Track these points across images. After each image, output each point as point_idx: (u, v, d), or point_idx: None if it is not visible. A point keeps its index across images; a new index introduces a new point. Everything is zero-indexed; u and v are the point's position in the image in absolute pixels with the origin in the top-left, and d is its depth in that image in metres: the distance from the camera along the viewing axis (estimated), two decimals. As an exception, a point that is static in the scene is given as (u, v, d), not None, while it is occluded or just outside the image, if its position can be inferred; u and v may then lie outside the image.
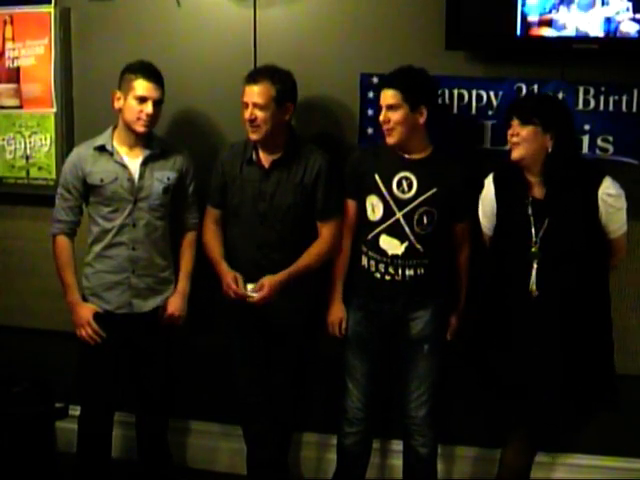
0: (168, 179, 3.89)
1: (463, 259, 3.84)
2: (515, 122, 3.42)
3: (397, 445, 4.18)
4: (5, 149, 4.45)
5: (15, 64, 4.38)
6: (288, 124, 3.78)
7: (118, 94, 3.80)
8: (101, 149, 3.86)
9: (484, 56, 3.90)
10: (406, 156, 3.67)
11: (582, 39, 3.65)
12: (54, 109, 4.35)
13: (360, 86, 3.96)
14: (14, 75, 4.39)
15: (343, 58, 4.03)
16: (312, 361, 4.12)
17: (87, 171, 3.85)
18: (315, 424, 4.39)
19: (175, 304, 3.96)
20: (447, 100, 3.89)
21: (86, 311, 3.87)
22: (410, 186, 3.65)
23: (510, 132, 3.45)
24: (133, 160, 3.86)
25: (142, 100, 3.74)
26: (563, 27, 3.65)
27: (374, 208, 3.71)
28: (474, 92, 3.87)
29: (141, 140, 3.86)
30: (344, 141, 4.06)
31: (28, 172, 4.44)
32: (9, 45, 4.38)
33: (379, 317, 3.78)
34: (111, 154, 3.84)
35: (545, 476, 4.21)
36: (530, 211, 3.46)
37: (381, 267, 3.71)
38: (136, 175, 3.84)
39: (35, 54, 4.35)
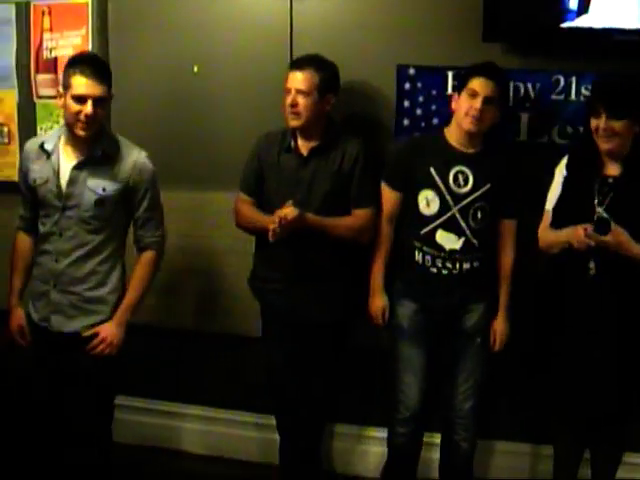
0: (104, 190, 3.44)
1: (507, 262, 3.78)
2: (606, 115, 3.35)
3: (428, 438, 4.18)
4: (43, 138, 4.47)
5: (53, 54, 4.42)
6: (327, 113, 3.78)
7: (60, 91, 3.43)
8: (42, 147, 3.51)
9: (521, 48, 3.87)
10: (462, 149, 3.66)
11: (622, 31, 3.63)
12: (92, 99, 4.36)
13: (397, 77, 3.96)
14: (52, 65, 4.44)
15: (379, 49, 4.02)
16: (346, 353, 4.10)
17: (27, 168, 3.55)
18: (348, 415, 4.38)
19: (108, 330, 3.52)
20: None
21: (14, 319, 3.63)
22: (466, 180, 3.63)
23: (601, 125, 3.37)
24: (68, 163, 3.46)
25: (80, 100, 3.32)
26: (602, 19, 3.63)
27: (429, 202, 3.68)
28: (511, 84, 3.84)
29: (86, 140, 3.44)
30: (380, 132, 4.05)
31: (62, 160, 4.44)
32: (47, 36, 4.42)
33: (435, 310, 3.76)
34: (49, 154, 3.48)
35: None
36: (597, 189, 3.43)
37: (438, 262, 3.68)
38: (64, 180, 3.44)
39: (72, 44, 4.38)
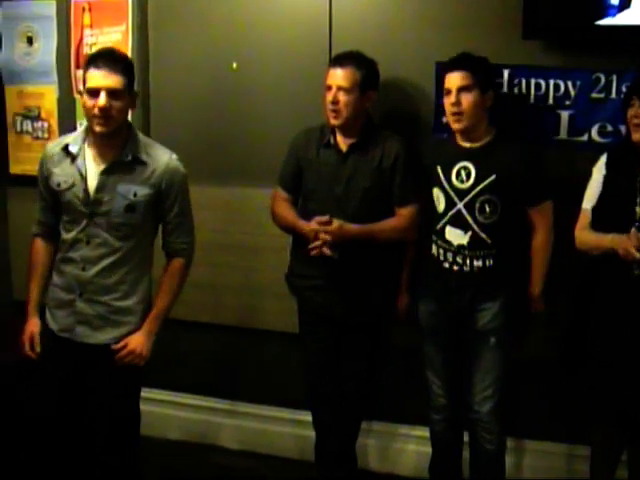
0: (135, 195, 3.31)
1: (538, 243, 3.72)
2: (637, 103, 3.37)
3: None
4: (83, 134, 4.50)
5: (92, 50, 4.42)
6: (366, 110, 3.77)
7: (80, 89, 3.38)
8: (66, 149, 3.36)
9: (561, 45, 3.84)
10: (467, 145, 3.65)
11: (664, 28, 3.59)
12: (130, 95, 4.39)
13: (436, 75, 3.93)
14: (92, 61, 4.45)
15: (419, 46, 4.00)
16: (383, 350, 4.10)
17: (50, 172, 3.38)
18: (384, 413, 4.37)
19: (137, 341, 3.40)
20: (524, 90, 3.84)
21: (27, 327, 3.46)
22: (468, 175, 3.62)
23: (632, 113, 3.39)
24: (95, 167, 3.32)
25: (93, 93, 3.19)
26: (645, 15, 3.60)
27: (438, 200, 3.70)
28: (551, 82, 3.82)
29: (111, 142, 3.31)
30: (419, 129, 4.04)
31: (104, 157, 4.47)
32: (87, 32, 4.46)
33: (448, 308, 3.76)
34: (74, 157, 3.34)
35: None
36: (639, 188, 3.40)
37: (449, 256, 3.68)
38: (93, 186, 3.30)
39: (112, 41, 4.40)
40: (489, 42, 3.84)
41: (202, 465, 4.50)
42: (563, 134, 3.87)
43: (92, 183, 3.30)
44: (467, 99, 3.55)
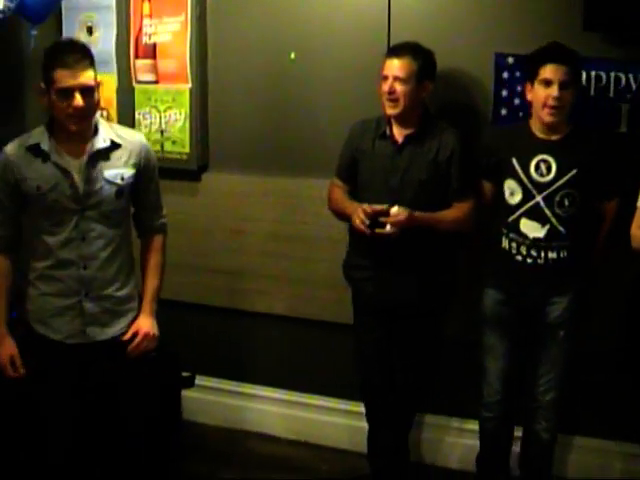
0: (122, 179, 3.27)
1: (606, 225, 3.71)
2: None
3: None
4: (141, 123, 4.57)
5: (152, 40, 4.48)
6: (423, 101, 3.75)
7: (42, 86, 3.15)
8: (35, 150, 3.19)
9: (623, 37, 3.77)
10: (545, 137, 3.61)
11: None
12: (189, 85, 4.42)
13: (495, 66, 3.90)
14: (151, 51, 4.50)
15: (477, 37, 3.96)
16: (436, 342, 4.07)
17: (21, 176, 3.19)
18: (437, 406, 4.36)
19: (146, 324, 3.38)
20: (584, 82, 3.79)
21: (6, 350, 3.26)
22: (549, 169, 3.57)
23: None
24: (75, 160, 3.20)
25: (66, 93, 3.07)
26: None
27: (512, 192, 3.65)
28: (612, 74, 3.76)
29: (84, 134, 3.21)
30: (476, 121, 4.00)
31: (162, 146, 4.53)
32: (146, 22, 4.48)
33: (519, 300, 3.72)
34: (47, 155, 3.19)
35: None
36: None
37: (523, 250, 3.64)
38: (79, 179, 3.19)
39: (171, 31, 4.43)
40: (549, 33, 3.77)
41: (254, 454, 4.53)
42: (623, 127, 3.81)
43: (77, 177, 3.19)
44: (567, 95, 3.51)
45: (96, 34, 4.63)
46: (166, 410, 4.30)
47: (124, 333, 3.36)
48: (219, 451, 4.55)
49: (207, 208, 4.55)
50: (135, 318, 3.41)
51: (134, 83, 4.57)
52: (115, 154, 3.28)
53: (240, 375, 4.73)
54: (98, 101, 3.21)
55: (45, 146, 3.19)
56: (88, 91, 3.09)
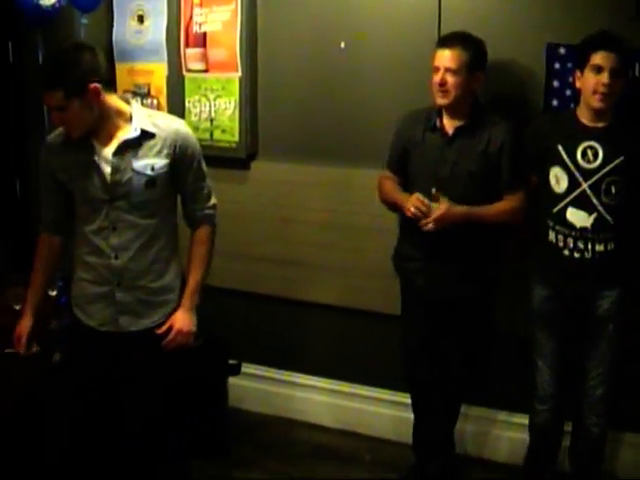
0: (152, 169, 3.18)
1: None
2: None
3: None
4: (191, 111, 4.59)
5: (202, 29, 4.50)
6: (474, 92, 3.73)
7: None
8: (69, 138, 3.18)
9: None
10: (591, 125, 3.57)
11: None
12: (239, 73, 4.44)
13: (546, 56, 3.86)
14: (201, 40, 4.52)
15: (529, 27, 3.91)
16: (484, 335, 4.05)
17: (55, 164, 3.24)
18: (484, 398, 4.33)
19: (182, 319, 3.29)
20: (637, 72, 3.73)
21: (21, 325, 3.34)
22: (595, 155, 3.54)
23: None
24: (105, 150, 3.16)
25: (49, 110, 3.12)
26: None
27: (558, 180, 3.61)
28: (665, 63, 3.71)
29: (115, 123, 3.18)
30: (527, 112, 3.94)
31: (212, 134, 4.55)
32: (197, 11, 4.50)
33: (566, 295, 3.69)
34: (79, 144, 3.16)
35: None
36: None
37: (570, 242, 3.60)
38: (108, 169, 3.16)
39: (221, 20, 4.44)
40: (600, 22, 3.71)
41: (301, 442, 4.55)
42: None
43: (106, 167, 3.15)
44: (617, 83, 3.47)
45: (147, 23, 4.66)
46: (212, 397, 4.35)
47: (160, 324, 3.29)
48: (264, 439, 4.58)
49: (256, 196, 4.58)
50: (175, 309, 3.33)
51: (184, 72, 4.59)
52: (148, 143, 3.18)
53: (286, 363, 4.75)
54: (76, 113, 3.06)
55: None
56: (62, 110, 3.03)
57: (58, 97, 2.99)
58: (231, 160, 4.50)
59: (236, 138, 4.49)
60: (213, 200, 3.40)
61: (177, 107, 4.59)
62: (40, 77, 3.04)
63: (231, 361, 4.47)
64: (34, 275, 3.37)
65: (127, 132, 3.15)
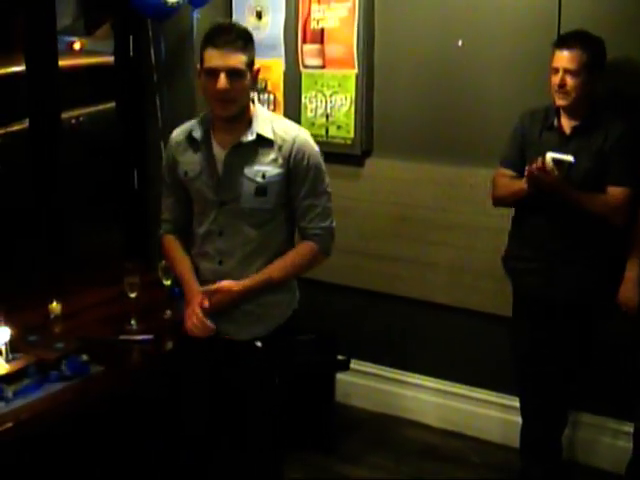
0: (263, 177, 3.02)
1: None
2: None
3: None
4: (307, 107, 4.64)
5: (319, 25, 4.54)
6: (593, 91, 3.66)
7: (197, 66, 3.05)
8: (190, 136, 3.14)
9: None
10: None
11: None
12: (355, 70, 4.45)
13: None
14: (318, 36, 4.55)
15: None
16: (594, 338, 3.98)
17: (176, 161, 3.17)
18: (594, 406, 4.24)
19: (229, 284, 3.07)
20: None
21: (190, 305, 3.12)
22: None
23: None
24: (221, 152, 3.07)
25: (211, 73, 2.93)
26: None
27: None
28: None
29: (236, 125, 3.05)
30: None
31: (327, 130, 4.58)
32: (314, 7, 4.54)
33: None
34: (197, 143, 3.11)
35: None
36: None
37: None
38: (220, 170, 3.07)
39: (339, 16, 4.47)
40: None
41: (407, 440, 4.54)
42: None
43: (220, 167, 3.06)
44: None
45: (265, 19, 4.72)
46: (320, 391, 4.39)
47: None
48: (370, 435, 4.60)
49: (370, 193, 4.59)
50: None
51: (301, 68, 4.64)
52: (264, 150, 3.03)
53: (395, 361, 4.75)
54: (248, 87, 3.00)
55: (197, 134, 3.11)
56: (235, 74, 2.91)
57: (242, 59, 2.91)
58: (346, 157, 4.53)
59: (351, 135, 4.51)
60: (328, 222, 3.14)
61: (293, 103, 4.65)
62: (227, 35, 2.91)
63: (340, 357, 4.50)
64: (177, 265, 3.23)
65: (243, 135, 3.03)
